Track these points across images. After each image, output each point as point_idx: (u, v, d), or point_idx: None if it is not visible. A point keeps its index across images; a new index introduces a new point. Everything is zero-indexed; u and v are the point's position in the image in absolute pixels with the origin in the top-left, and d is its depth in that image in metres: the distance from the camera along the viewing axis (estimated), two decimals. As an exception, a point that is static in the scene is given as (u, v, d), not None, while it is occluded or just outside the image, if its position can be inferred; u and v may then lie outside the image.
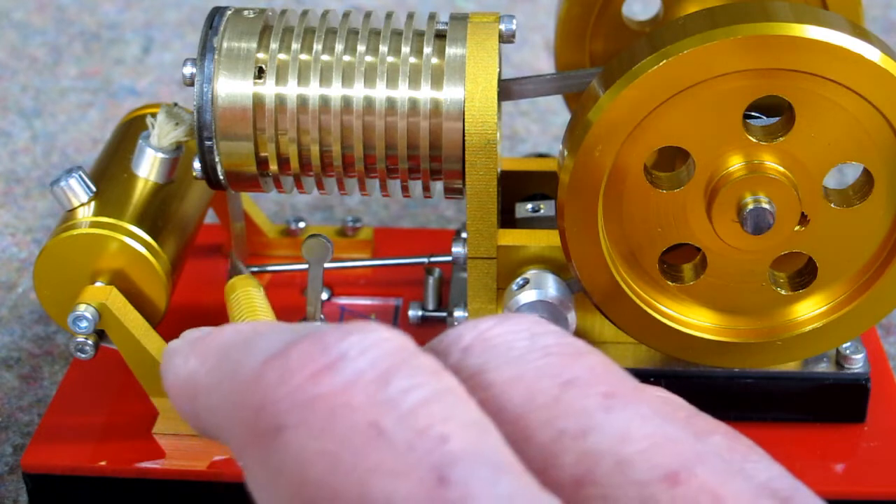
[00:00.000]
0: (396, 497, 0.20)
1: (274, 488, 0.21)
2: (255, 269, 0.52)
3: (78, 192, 0.45)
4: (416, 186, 0.45)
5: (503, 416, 0.22)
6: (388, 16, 0.44)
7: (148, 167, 0.46)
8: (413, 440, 0.20)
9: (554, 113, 0.70)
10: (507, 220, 0.47)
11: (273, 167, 0.43)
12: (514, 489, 0.20)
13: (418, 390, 0.21)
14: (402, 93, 0.42)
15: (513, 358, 0.23)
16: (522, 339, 0.23)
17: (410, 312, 0.50)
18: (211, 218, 0.53)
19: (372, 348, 0.22)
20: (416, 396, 0.21)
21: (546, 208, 0.47)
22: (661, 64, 0.38)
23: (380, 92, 0.42)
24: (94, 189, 0.45)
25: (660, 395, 0.24)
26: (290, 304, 0.51)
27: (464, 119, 0.42)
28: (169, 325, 0.46)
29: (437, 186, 0.45)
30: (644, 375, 0.44)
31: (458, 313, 0.46)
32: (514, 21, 0.44)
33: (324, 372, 0.21)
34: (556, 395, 0.22)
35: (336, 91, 0.42)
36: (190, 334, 0.26)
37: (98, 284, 0.44)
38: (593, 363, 0.23)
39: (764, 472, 0.22)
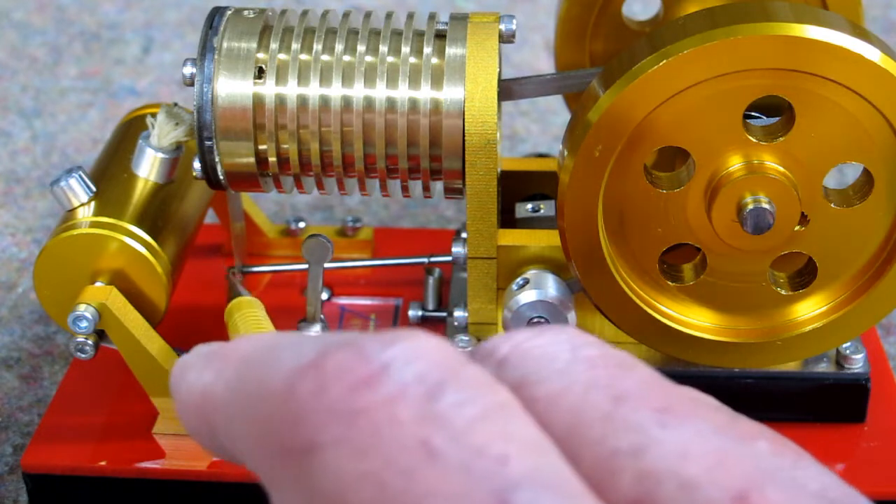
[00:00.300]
0: None
1: None
2: (255, 269, 0.52)
3: (78, 192, 0.45)
4: (416, 186, 0.45)
5: (551, 432, 0.20)
6: (388, 16, 0.44)
7: (148, 167, 0.46)
8: (469, 461, 0.18)
9: (554, 113, 0.70)
10: (507, 220, 0.47)
11: (273, 167, 0.43)
12: None
13: (472, 405, 0.19)
14: (402, 93, 0.42)
15: (556, 370, 0.21)
16: (564, 350, 0.21)
17: (410, 312, 0.50)
18: (211, 218, 0.53)
19: (417, 358, 0.20)
20: (471, 412, 0.19)
21: (546, 208, 0.47)
22: (661, 64, 0.38)
23: (380, 92, 0.42)
24: (94, 189, 0.45)
25: (693, 397, 0.22)
26: (290, 304, 0.51)
27: (464, 119, 0.42)
28: (169, 325, 0.46)
29: (437, 186, 0.44)
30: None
31: (458, 313, 0.46)
32: (514, 21, 0.44)
33: (365, 384, 0.19)
34: (607, 411, 0.20)
35: (336, 91, 0.42)
36: (202, 348, 0.24)
37: (98, 284, 0.44)
38: (643, 376, 0.21)
39: (816, 481, 0.21)
